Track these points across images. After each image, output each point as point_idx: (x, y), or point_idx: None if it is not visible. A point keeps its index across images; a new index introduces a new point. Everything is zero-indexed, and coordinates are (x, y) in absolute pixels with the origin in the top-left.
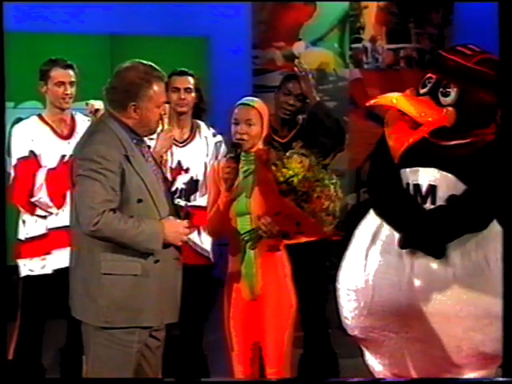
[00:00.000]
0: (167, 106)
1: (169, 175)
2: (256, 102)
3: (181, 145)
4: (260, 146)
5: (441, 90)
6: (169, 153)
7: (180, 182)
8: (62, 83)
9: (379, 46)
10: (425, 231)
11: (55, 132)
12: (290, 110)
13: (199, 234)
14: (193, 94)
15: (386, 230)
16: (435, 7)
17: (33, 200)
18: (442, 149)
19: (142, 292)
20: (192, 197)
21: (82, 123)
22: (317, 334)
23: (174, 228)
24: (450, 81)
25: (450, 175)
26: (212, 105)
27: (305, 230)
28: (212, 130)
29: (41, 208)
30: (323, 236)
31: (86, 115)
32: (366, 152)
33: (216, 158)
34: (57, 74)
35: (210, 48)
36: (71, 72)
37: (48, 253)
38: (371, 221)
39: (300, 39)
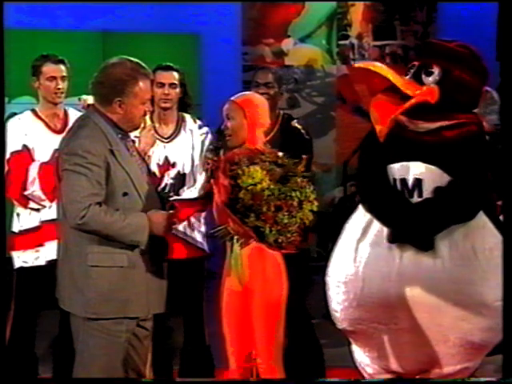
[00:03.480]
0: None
1: (157, 171)
2: (239, 96)
3: (166, 140)
4: (260, 139)
5: (424, 70)
6: (154, 149)
7: (168, 177)
8: (54, 78)
9: (365, 43)
10: (412, 225)
11: (48, 127)
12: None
13: (190, 226)
14: (177, 90)
15: (377, 223)
16: (420, 5)
17: (26, 193)
18: (425, 138)
19: (128, 283)
20: (180, 190)
21: (75, 118)
22: (299, 324)
23: (159, 220)
24: (433, 61)
25: (434, 168)
26: (202, 101)
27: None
28: (198, 123)
29: (34, 201)
30: (269, 248)
31: (79, 110)
32: (352, 146)
33: (202, 149)
34: (48, 69)
35: (200, 45)
36: (62, 67)
37: (41, 245)
38: (361, 215)
39: (289, 36)
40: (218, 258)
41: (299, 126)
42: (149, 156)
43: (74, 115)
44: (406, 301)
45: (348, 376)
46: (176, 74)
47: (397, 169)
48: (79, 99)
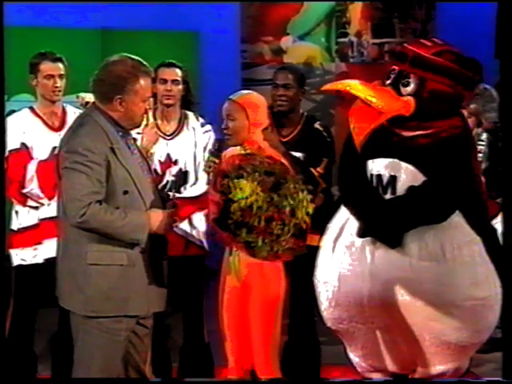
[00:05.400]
0: (151, 100)
1: (158, 168)
2: (240, 95)
3: (169, 138)
4: (258, 138)
5: (402, 80)
6: (156, 146)
7: (169, 174)
8: (52, 76)
9: (364, 41)
10: (382, 220)
11: (46, 124)
12: (281, 100)
13: (191, 224)
14: (180, 87)
15: (352, 223)
16: (418, 3)
17: (24, 191)
18: (403, 139)
19: (128, 282)
20: (182, 188)
21: (73, 115)
22: (302, 321)
23: (160, 218)
24: (410, 71)
25: (410, 166)
26: (202, 98)
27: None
28: (201, 120)
29: (32, 199)
30: (261, 259)
31: (78, 107)
32: None
33: (204, 148)
34: (46, 67)
35: (199, 42)
36: (60, 65)
37: (39, 242)
38: (341, 214)
39: (288, 34)
40: (218, 255)
41: (321, 128)
42: (151, 153)
43: (72, 112)
44: (379, 300)
45: (343, 374)
46: (179, 71)
47: (374, 164)
48: (77, 97)
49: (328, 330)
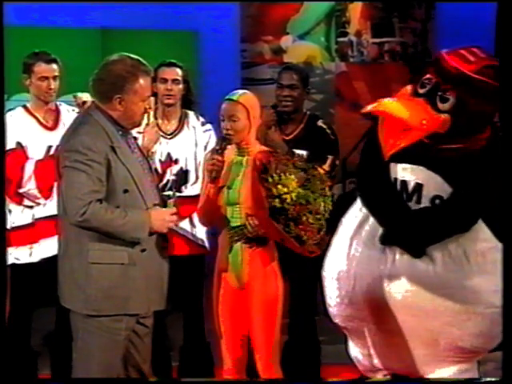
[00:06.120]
0: (152, 99)
1: (159, 168)
2: (241, 95)
3: (169, 137)
4: (253, 137)
5: (439, 93)
6: (157, 145)
7: (170, 174)
8: (46, 78)
9: (364, 40)
10: (407, 231)
11: (41, 123)
12: (286, 100)
13: (192, 223)
14: (180, 86)
15: (371, 221)
16: (418, 2)
17: (21, 191)
18: (432, 149)
19: (129, 281)
20: (183, 187)
21: (67, 113)
22: (304, 321)
23: (160, 216)
24: (449, 87)
25: (437, 176)
26: (201, 98)
27: (287, 245)
28: (201, 120)
29: (29, 199)
30: (305, 253)
31: (72, 106)
32: (351, 143)
33: (205, 147)
34: (40, 68)
35: (199, 42)
36: (55, 66)
37: (35, 242)
38: (358, 210)
39: (287, 33)
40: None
41: (325, 126)
42: (152, 152)
43: (65, 110)
44: (396, 303)
45: (343, 373)
46: (179, 71)
47: (399, 169)
48: (74, 97)
49: (328, 329)
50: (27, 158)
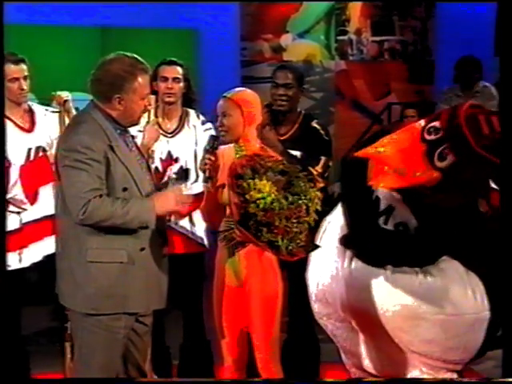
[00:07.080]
0: (153, 97)
1: (159, 167)
2: (235, 92)
3: (170, 135)
4: (251, 135)
5: (439, 150)
6: (157, 144)
7: (170, 172)
8: (16, 79)
9: (364, 39)
10: (371, 248)
11: (17, 126)
12: (281, 100)
13: (191, 221)
14: (181, 84)
15: (340, 220)
16: (418, 0)
17: (7, 197)
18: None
19: (128, 279)
20: (183, 186)
21: (41, 113)
22: (303, 320)
23: (167, 196)
24: (452, 149)
25: (406, 205)
26: (201, 96)
27: (264, 250)
28: (202, 118)
29: (14, 205)
30: (285, 258)
31: (51, 105)
32: (351, 142)
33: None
34: (9, 70)
35: (199, 40)
36: (24, 66)
37: (24, 246)
38: (334, 211)
39: (287, 31)
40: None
41: (319, 127)
42: (152, 151)
43: (38, 110)
44: (352, 303)
45: (342, 371)
46: (179, 69)
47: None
48: (54, 95)
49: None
50: (9, 162)
